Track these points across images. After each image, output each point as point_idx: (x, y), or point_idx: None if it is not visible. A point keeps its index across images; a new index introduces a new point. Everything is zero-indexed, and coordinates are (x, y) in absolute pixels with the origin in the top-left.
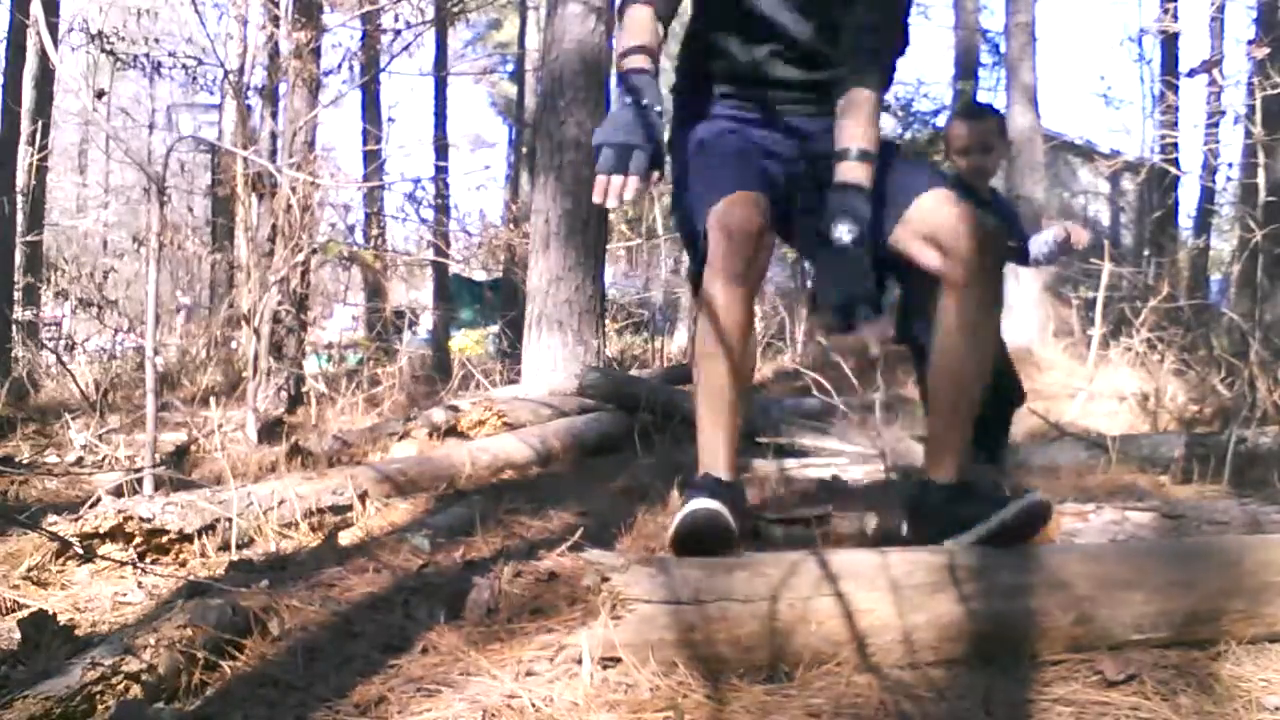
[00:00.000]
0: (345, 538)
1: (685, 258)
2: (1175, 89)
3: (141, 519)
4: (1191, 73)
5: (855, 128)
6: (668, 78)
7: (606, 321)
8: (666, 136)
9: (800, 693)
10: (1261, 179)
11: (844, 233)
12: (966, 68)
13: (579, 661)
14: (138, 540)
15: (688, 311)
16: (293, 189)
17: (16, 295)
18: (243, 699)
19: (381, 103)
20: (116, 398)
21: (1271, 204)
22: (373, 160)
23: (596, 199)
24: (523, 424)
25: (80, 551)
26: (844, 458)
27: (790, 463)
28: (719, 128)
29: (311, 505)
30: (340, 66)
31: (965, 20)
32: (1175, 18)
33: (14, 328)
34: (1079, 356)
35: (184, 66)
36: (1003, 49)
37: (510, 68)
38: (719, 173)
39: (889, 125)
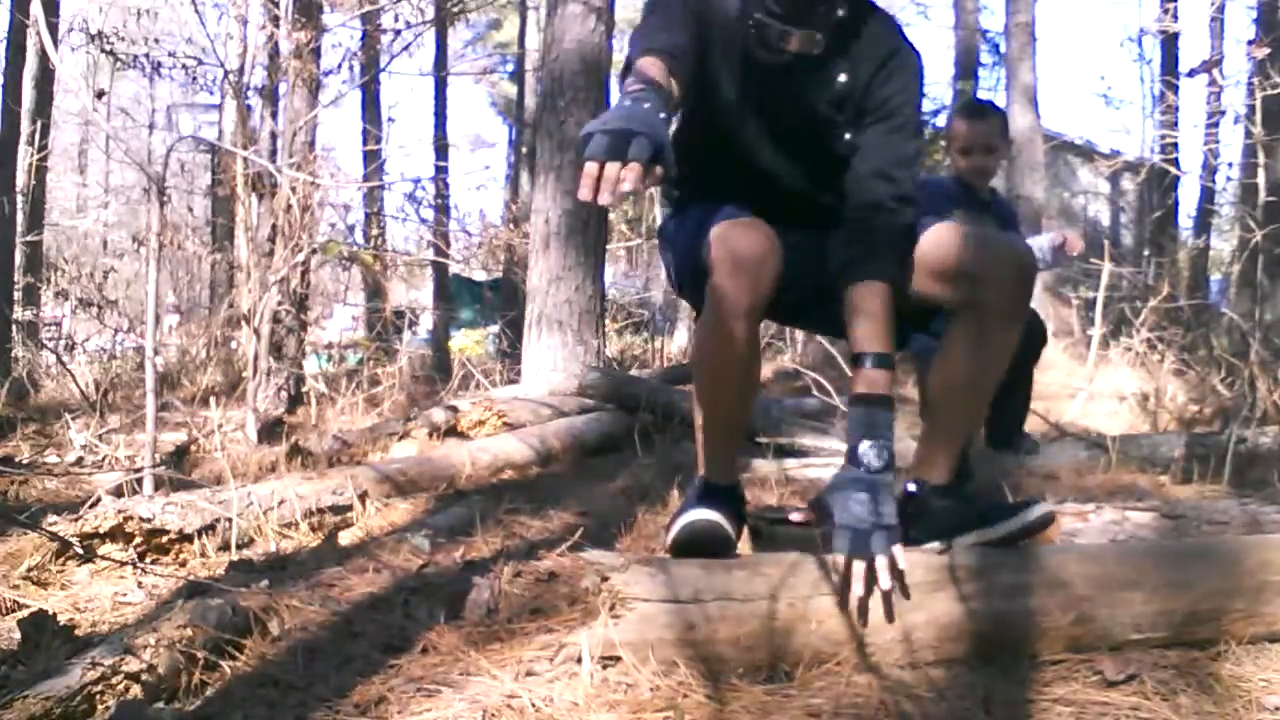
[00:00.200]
0: (345, 538)
1: None
2: (1175, 89)
3: (141, 519)
4: (1191, 73)
5: (870, 329)
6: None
7: (606, 321)
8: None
9: (800, 693)
10: (1261, 179)
11: (873, 458)
12: (966, 68)
13: (579, 661)
14: (138, 540)
15: (687, 312)
16: (293, 189)
17: (16, 295)
18: (243, 699)
19: (381, 103)
20: (116, 398)
21: (1271, 204)
22: (373, 160)
23: (584, 194)
24: (523, 424)
25: (80, 551)
26: (844, 458)
27: (790, 463)
28: (719, 201)
29: (311, 505)
30: (340, 66)
31: (965, 20)
32: (1175, 18)
33: (14, 328)
34: (1079, 356)
35: (184, 66)
36: (1003, 49)
37: (510, 68)
38: (720, 208)
39: None
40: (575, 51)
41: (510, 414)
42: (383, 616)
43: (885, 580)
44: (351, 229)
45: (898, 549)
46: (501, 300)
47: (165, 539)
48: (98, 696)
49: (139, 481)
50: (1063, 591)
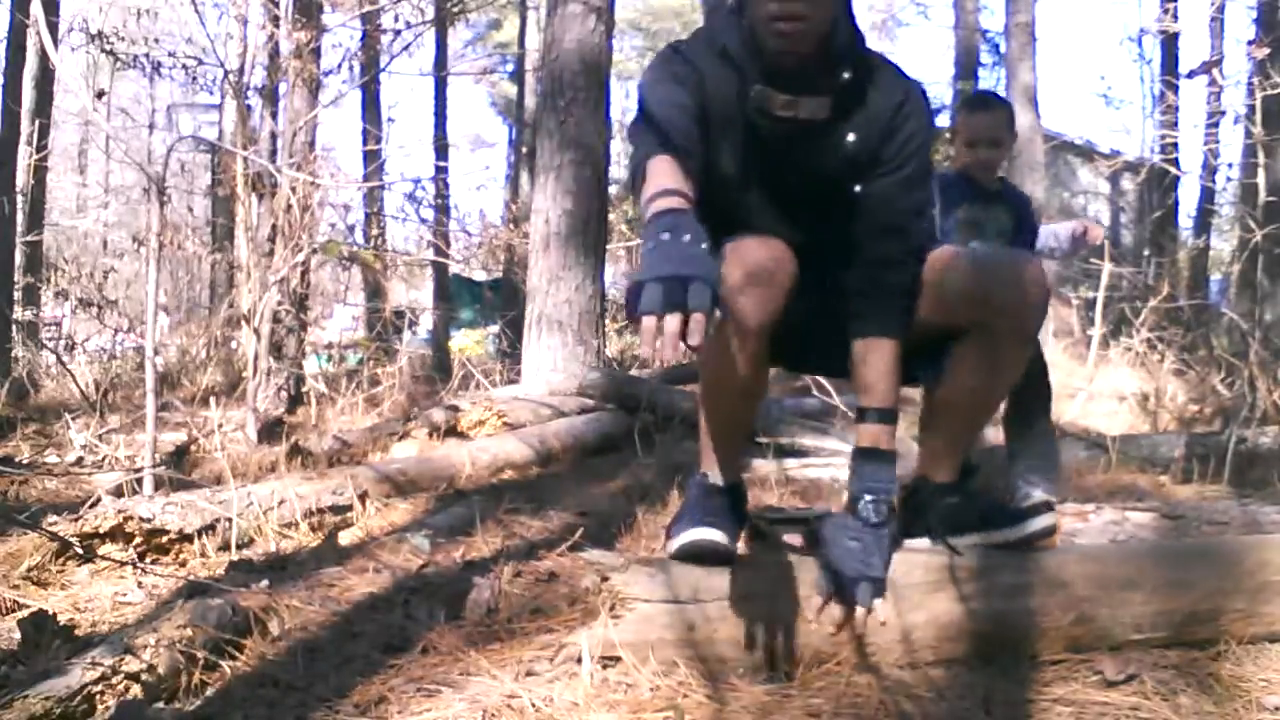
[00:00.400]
0: (345, 538)
1: None
2: (1175, 89)
3: (141, 519)
4: (1191, 73)
5: (876, 385)
6: None
7: (606, 321)
8: None
9: (800, 693)
10: (1261, 179)
11: (871, 512)
12: (966, 68)
13: (579, 661)
14: (138, 540)
15: None
16: (293, 189)
17: (16, 295)
18: (243, 699)
19: (381, 103)
20: (116, 398)
21: (1271, 204)
22: (373, 160)
23: (646, 349)
24: (523, 424)
25: (80, 551)
26: (844, 458)
27: (790, 463)
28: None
29: (311, 505)
30: (340, 66)
31: (965, 20)
32: (1175, 18)
33: (14, 328)
34: (1079, 356)
35: (184, 66)
36: (1003, 49)
37: (510, 68)
38: (736, 231)
39: None
40: (575, 51)
41: (510, 414)
42: (383, 616)
43: (859, 628)
44: (351, 229)
45: (879, 602)
46: (501, 300)
47: (165, 539)
48: (98, 696)
49: (139, 481)
50: (1063, 591)
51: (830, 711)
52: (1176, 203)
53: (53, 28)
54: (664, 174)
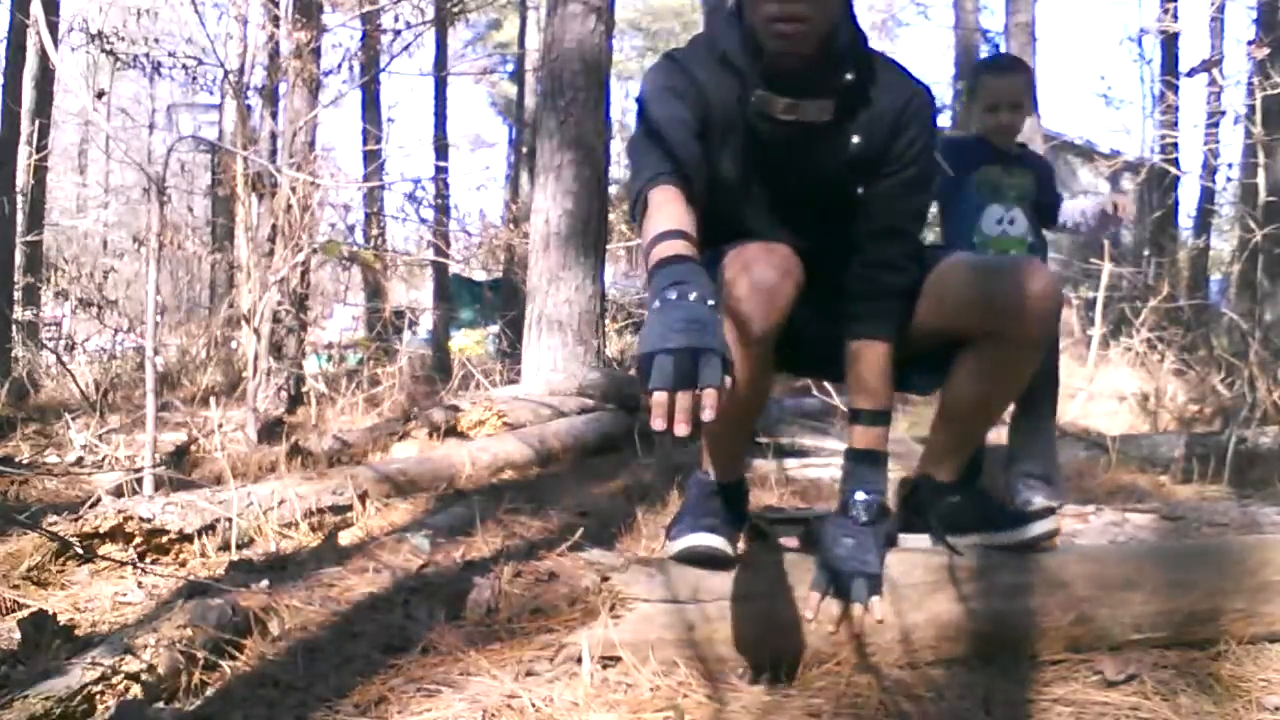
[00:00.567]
0: (345, 538)
1: None
2: (1175, 89)
3: (141, 519)
4: (1191, 73)
5: (870, 387)
6: None
7: (606, 321)
8: None
9: (800, 693)
10: (1261, 179)
11: (862, 511)
12: (966, 68)
13: (579, 661)
14: (138, 540)
15: None
16: (293, 189)
17: (16, 295)
18: (243, 699)
19: (381, 103)
20: (116, 398)
21: (1271, 204)
22: (373, 160)
23: (659, 425)
24: (523, 424)
25: (80, 551)
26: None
27: (790, 463)
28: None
29: (311, 505)
30: (340, 66)
31: (965, 20)
32: (1175, 18)
33: (14, 328)
34: (1079, 356)
35: (184, 66)
36: (1003, 49)
37: (510, 68)
38: (738, 236)
39: None
40: (575, 51)
41: (510, 414)
42: (383, 616)
43: (855, 627)
44: (351, 229)
45: (875, 600)
46: (501, 300)
47: (165, 539)
48: (98, 696)
49: (139, 481)
50: (1063, 591)
51: (830, 711)
52: (1176, 203)
53: (53, 28)
54: (667, 210)
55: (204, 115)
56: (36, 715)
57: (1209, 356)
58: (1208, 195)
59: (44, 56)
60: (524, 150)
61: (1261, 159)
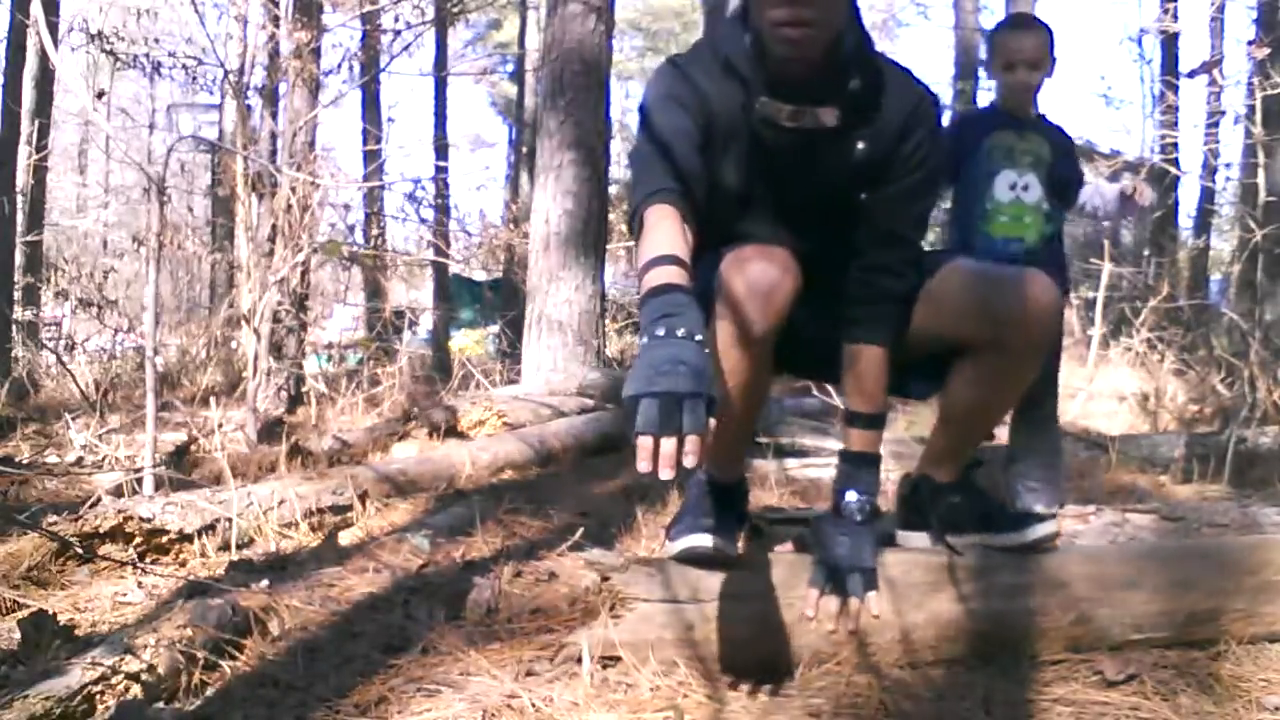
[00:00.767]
0: (345, 538)
1: None
2: (1175, 89)
3: (141, 519)
4: (1191, 73)
5: (865, 391)
6: None
7: (606, 321)
8: None
9: (800, 693)
10: (1261, 179)
11: (855, 510)
12: (966, 68)
13: (579, 661)
14: (138, 540)
15: None
16: (293, 189)
17: (16, 295)
18: (243, 699)
19: (381, 103)
20: (116, 398)
21: (1271, 204)
22: (373, 160)
23: (644, 467)
24: (523, 424)
25: (80, 551)
26: None
27: (790, 463)
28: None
29: (311, 505)
30: (340, 66)
31: (965, 20)
32: (1175, 18)
33: (14, 328)
34: (1079, 357)
35: (184, 66)
36: None
37: (510, 68)
38: (738, 240)
39: None
40: (575, 51)
41: (510, 414)
42: (383, 616)
43: (853, 623)
44: (351, 229)
45: (872, 594)
46: (501, 300)
47: (165, 539)
48: (98, 696)
49: (139, 481)
50: (1063, 591)
51: (830, 711)
52: (1176, 203)
53: (53, 28)
54: (661, 231)
55: (204, 115)
56: (36, 715)
57: (1209, 356)
58: (1208, 195)
59: (44, 56)
60: (524, 150)
61: (1261, 159)
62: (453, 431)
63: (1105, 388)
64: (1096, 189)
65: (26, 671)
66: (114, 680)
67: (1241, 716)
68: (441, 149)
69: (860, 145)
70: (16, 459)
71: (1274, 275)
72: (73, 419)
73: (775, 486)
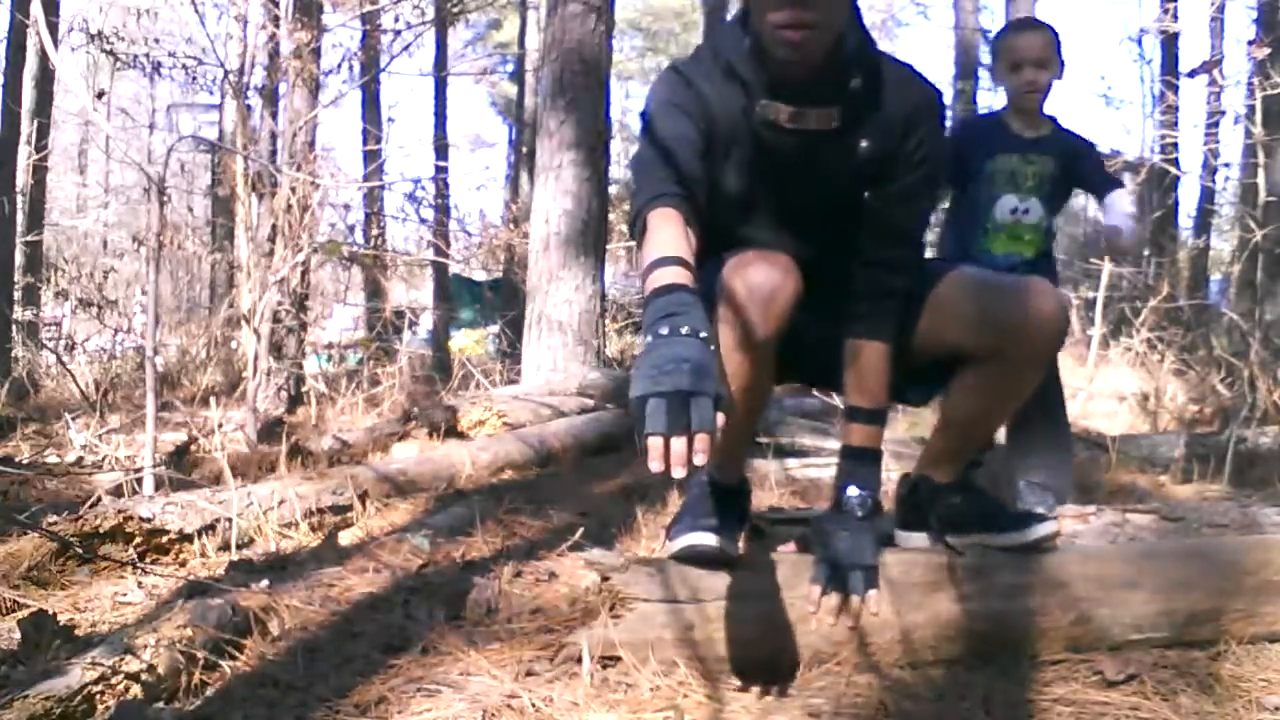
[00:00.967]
0: (345, 538)
1: None
2: (1175, 89)
3: (141, 519)
4: (1191, 73)
5: (867, 386)
6: None
7: (606, 321)
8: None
9: (800, 693)
10: (1261, 179)
11: (856, 506)
12: (966, 68)
13: (579, 661)
14: (138, 540)
15: None
16: (293, 189)
17: (16, 295)
18: (243, 699)
19: (381, 103)
20: (116, 398)
21: (1271, 204)
22: (373, 160)
23: (655, 467)
24: (523, 424)
25: (80, 551)
26: None
27: (790, 463)
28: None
29: (311, 505)
30: (340, 66)
31: (965, 20)
32: (1175, 18)
33: (14, 328)
34: (1079, 357)
35: (184, 66)
36: None
37: (510, 68)
38: (740, 245)
39: None
40: (575, 51)
41: (510, 414)
42: (383, 616)
43: (853, 619)
44: (351, 229)
45: (873, 593)
46: (501, 300)
47: (165, 539)
48: (98, 696)
49: (139, 481)
50: (1062, 591)
51: (830, 711)
52: (1176, 203)
53: (53, 28)
54: (664, 233)
55: (204, 115)
56: (36, 715)
57: (1209, 356)
58: (1208, 195)
59: (44, 56)
60: (524, 150)
61: (1261, 159)
62: (453, 431)
63: (1105, 388)
64: (1127, 220)
65: (26, 671)
66: (114, 680)
67: (1241, 716)
68: (441, 149)
69: (863, 144)
70: (16, 459)
71: (1274, 275)
72: (73, 419)
73: (775, 486)
